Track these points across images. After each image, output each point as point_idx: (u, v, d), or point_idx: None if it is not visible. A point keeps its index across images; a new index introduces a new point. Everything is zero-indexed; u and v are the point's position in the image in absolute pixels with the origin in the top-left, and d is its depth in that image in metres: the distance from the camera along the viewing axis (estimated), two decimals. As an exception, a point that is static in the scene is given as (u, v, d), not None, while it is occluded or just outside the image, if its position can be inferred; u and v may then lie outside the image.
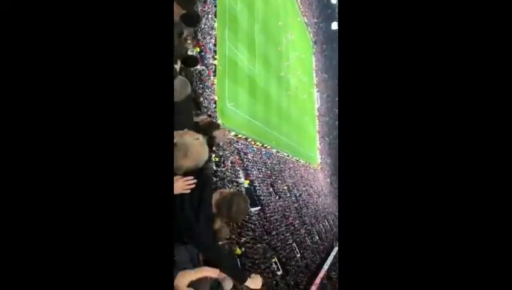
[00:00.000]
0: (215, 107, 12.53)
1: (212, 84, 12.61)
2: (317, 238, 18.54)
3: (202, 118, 2.71)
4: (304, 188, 21.47)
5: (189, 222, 1.22)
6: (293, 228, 15.75)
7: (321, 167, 30.05)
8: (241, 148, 14.26)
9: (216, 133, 2.41)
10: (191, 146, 1.24)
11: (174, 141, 1.21)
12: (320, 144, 30.84)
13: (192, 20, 1.93)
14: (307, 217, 18.70)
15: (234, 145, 13.65)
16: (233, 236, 9.90)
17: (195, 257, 1.23)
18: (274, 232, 13.52)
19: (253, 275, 1.44)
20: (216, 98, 12.69)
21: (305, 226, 17.72)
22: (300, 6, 27.24)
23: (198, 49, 11.64)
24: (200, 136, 1.31)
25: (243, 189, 12.83)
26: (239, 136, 14.46)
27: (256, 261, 10.55)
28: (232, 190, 10.92)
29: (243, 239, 10.47)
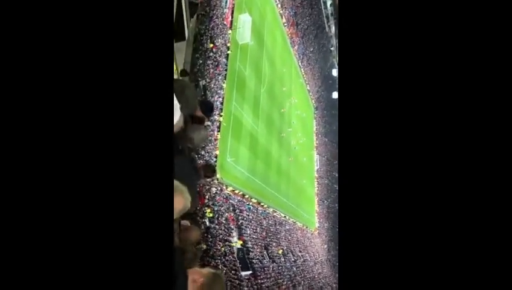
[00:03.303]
0: (215, 161, 12.65)
1: (216, 140, 12.95)
2: (312, 313, 16.77)
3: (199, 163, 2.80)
4: (299, 253, 20.23)
5: None
6: (285, 298, 14.39)
7: (318, 232, 28.78)
8: (237, 205, 13.91)
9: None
10: None
11: None
12: (318, 207, 30.10)
13: (208, 108, 2.36)
14: (301, 287, 17.20)
15: (230, 201, 13.36)
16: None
17: None
18: (264, 302, 12.31)
19: None
20: (217, 153, 12.90)
21: (299, 297, 16.20)
22: (304, 76, 29.57)
23: (205, 106, 12.26)
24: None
25: (235, 250, 12.12)
26: (236, 191, 14.26)
27: (242, 337, 9.38)
28: (216, 262, 10.09)
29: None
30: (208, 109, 2.36)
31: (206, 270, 1.29)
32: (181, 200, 1.26)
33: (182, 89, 2.02)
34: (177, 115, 1.46)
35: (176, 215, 1.25)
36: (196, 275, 1.22)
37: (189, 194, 1.33)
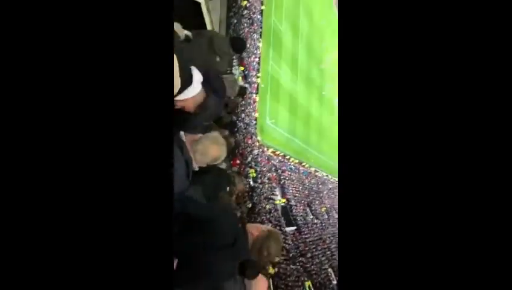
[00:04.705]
0: (255, 124, 12.77)
1: (254, 102, 12.93)
2: (356, 266, 17.33)
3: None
4: (342, 211, 20.42)
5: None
6: (329, 252, 14.97)
7: (362, 190, 28.46)
8: (279, 166, 14.19)
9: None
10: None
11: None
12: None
13: (240, 46, 2.16)
14: (345, 243, 17.66)
15: (272, 162, 13.65)
16: (267, 255, 9.71)
17: None
18: (309, 255, 12.98)
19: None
20: (257, 115, 12.95)
21: (343, 252, 16.72)
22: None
23: (242, 68, 12.12)
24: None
25: (279, 207, 12.65)
26: (277, 152, 14.45)
27: (290, 284, 10.17)
28: (267, 215, 10.74)
29: (277, 258, 10.23)
30: (240, 46, 2.20)
31: (264, 226, 1.39)
32: (218, 149, 1.33)
33: (211, 40, 1.91)
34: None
35: (209, 161, 1.33)
36: (253, 229, 1.32)
37: (226, 148, 1.40)
